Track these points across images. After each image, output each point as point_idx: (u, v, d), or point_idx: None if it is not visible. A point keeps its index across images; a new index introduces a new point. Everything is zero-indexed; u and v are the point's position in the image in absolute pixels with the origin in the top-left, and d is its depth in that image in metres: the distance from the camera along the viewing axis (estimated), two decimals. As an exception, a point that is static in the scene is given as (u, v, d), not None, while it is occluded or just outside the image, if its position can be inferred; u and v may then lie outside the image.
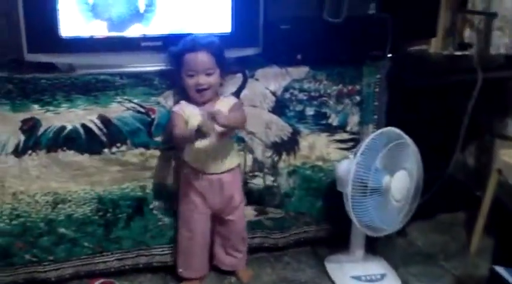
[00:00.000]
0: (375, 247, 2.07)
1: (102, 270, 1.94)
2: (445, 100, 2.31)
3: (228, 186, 1.83)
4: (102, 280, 1.88)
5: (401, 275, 1.98)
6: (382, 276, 1.94)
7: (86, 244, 1.90)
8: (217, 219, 1.91)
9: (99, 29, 1.76)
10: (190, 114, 1.74)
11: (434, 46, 2.49)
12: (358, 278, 1.93)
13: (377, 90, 2.00)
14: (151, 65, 1.82)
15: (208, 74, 1.73)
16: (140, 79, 1.80)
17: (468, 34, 2.38)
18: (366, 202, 1.77)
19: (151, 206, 1.92)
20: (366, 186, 1.76)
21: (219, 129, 1.69)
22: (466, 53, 2.33)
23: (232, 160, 1.84)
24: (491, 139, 2.44)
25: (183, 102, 1.78)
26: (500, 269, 1.64)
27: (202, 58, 1.71)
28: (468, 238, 2.22)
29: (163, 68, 1.81)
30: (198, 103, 1.76)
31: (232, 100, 1.83)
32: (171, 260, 1.98)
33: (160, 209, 1.93)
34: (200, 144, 1.70)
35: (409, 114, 2.09)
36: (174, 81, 1.80)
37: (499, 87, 2.20)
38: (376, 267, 1.98)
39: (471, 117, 2.27)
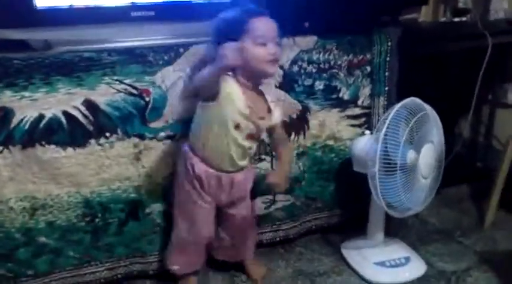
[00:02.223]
0: (389, 229, 1.93)
1: (91, 281, 1.68)
2: (448, 68, 2.21)
3: (239, 185, 1.59)
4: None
5: (423, 256, 1.85)
6: (407, 259, 1.80)
7: (71, 253, 1.63)
8: (221, 212, 1.67)
9: (79, -3, 1.49)
10: (237, 94, 1.45)
11: (425, 14, 2.37)
12: (382, 264, 1.78)
13: (388, 59, 1.84)
14: (143, 38, 1.56)
15: (277, 43, 1.46)
16: (132, 56, 1.54)
17: (463, 0, 2.26)
18: (394, 181, 1.61)
19: (147, 210, 1.67)
20: (394, 164, 1.60)
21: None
22: (464, 19, 2.22)
23: (249, 158, 1.60)
24: (490, 109, 2.37)
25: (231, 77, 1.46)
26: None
27: (272, 23, 1.45)
28: (478, 211, 2.14)
29: (158, 41, 1.57)
30: (248, 86, 1.48)
31: (279, 113, 1.58)
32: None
33: (159, 213, 1.69)
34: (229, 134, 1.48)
35: (417, 84, 1.96)
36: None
37: (499, 54, 2.10)
38: (398, 250, 1.84)
39: (465, 86, 2.20)
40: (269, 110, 1.55)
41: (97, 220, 1.62)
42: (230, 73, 1.45)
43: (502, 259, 1.84)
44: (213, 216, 1.63)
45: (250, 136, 1.51)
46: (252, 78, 1.49)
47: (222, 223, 1.69)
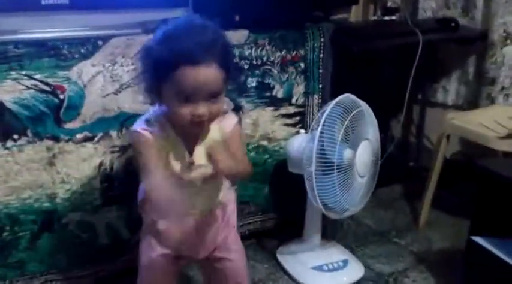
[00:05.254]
0: (325, 232, 1.86)
1: (1, 302, 1.50)
2: (379, 69, 2.19)
3: (215, 228, 1.30)
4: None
5: (360, 259, 1.79)
6: (345, 262, 1.73)
7: (-25, 273, 1.44)
8: (205, 264, 1.38)
9: (-20, -19, 1.31)
10: (167, 147, 1.17)
11: (355, 14, 2.35)
12: (319, 268, 1.70)
13: (321, 55, 1.78)
14: (56, 29, 1.41)
15: (213, 99, 1.10)
16: (43, 48, 1.37)
17: (391, -1, 2.26)
18: (332, 181, 1.54)
19: (64, 220, 1.50)
20: (330, 163, 1.53)
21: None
22: (393, 17, 2.21)
23: (219, 198, 1.30)
24: (420, 108, 2.37)
25: (154, 127, 1.16)
26: (478, 239, 1.53)
27: (208, 76, 1.06)
28: (412, 211, 2.13)
29: (73, 33, 1.41)
30: (182, 134, 1.17)
31: (231, 121, 1.23)
32: (93, 282, 1.59)
33: (78, 223, 1.52)
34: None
35: (349, 85, 1.91)
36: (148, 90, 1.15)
37: (428, 53, 2.11)
38: (336, 254, 1.77)
39: (396, 87, 2.20)
40: None
41: (5, 234, 1.44)
42: (153, 123, 1.16)
43: (438, 259, 1.82)
44: (172, 270, 1.32)
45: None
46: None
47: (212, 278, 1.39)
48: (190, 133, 1.17)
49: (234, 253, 1.34)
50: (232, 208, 1.35)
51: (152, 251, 1.28)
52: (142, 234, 1.32)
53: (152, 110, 1.19)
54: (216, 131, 1.21)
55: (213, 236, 1.30)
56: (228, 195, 1.33)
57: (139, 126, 1.16)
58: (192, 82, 1.06)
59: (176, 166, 1.17)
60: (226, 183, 1.30)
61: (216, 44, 1.08)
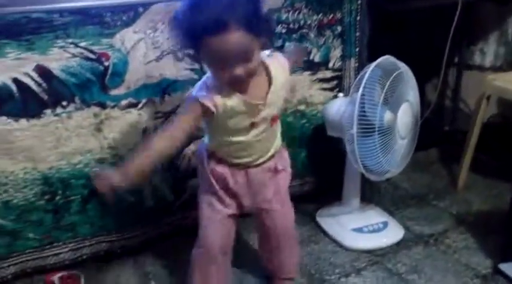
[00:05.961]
0: (363, 195, 1.88)
1: (54, 264, 1.57)
2: (415, 32, 2.15)
3: (271, 176, 1.37)
4: (61, 274, 1.51)
5: (399, 221, 1.81)
6: (384, 224, 1.75)
7: (30, 235, 1.51)
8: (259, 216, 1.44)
9: (26, -50, 1.33)
10: (231, 104, 1.19)
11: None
12: (359, 230, 1.73)
13: (358, 18, 1.77)
14: (100, -4, 1.43)
15: (247, 59, 1.12)
16: (87, 16, 1.40)
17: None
18: (373, 143, 1.55)
19: (113, 184, 1.55)
20: (372, 125, 1.54)
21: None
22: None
23: (277, 143, 1.36)
24: (455, 71, 2.34)
25: (213, 90, 1.19)
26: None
27: (234, 41, 1.07)
28: (450, 174, 2.12)
29: (115, 0, 1.43)
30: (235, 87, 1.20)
31: (280, 62, 1.28)
32: (139, 243, 1.65)
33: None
34: (248, 135, 1.25)
35: (385, 48, 1.90)
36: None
37: (465, 15, 2.07)
38: (375, 216, 1.79)
39: (431, 50, 2.17)
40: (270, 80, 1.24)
41: (58, 197, 1.50)
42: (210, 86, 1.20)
43: (477, 221, 1.82)
44: (230, 228, 1.38)
45: (274, 119, 1.29)
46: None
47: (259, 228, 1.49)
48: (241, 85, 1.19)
49: (285, 205, 1.43)
50: (289, 171, 1.44)
51: (212, 211, 1.34)
52: (200, 196, 1.37)
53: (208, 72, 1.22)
54: (278, 72, 1.25)
55: (267, 187, 1.37)
56: (281, 151, 1.39)
57: (200, 92, 1.19)
58: (219, 50, 1.09)
59: (244, 116, 1.22)
60: (279, 136, 1.36)
61: (235, 6, 1.07)
